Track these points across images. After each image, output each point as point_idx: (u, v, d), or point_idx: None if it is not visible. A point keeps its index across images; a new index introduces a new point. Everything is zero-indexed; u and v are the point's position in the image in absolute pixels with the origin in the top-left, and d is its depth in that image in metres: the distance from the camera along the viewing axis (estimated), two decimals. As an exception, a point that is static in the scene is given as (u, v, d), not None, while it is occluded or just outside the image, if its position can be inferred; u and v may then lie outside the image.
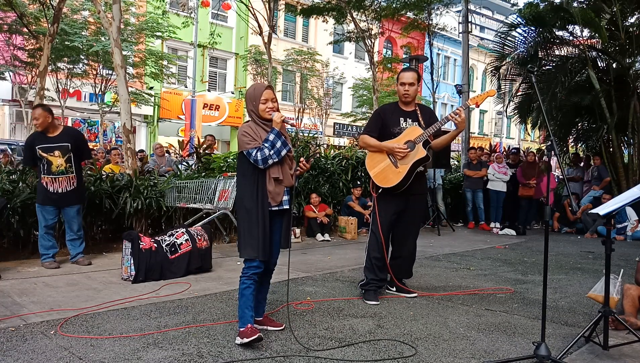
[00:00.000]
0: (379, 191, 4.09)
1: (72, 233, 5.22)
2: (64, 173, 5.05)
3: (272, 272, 3.29)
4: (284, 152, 3.01)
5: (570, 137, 12.04)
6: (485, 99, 3.97)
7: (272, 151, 2.95)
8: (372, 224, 4.21)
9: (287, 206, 3.11)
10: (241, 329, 2.96)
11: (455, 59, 32.81)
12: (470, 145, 12.42)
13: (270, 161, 2.96)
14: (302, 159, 3.18)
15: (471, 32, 15.28)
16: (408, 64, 9.78)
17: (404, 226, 4.23)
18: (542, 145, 17.14)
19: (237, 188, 3.15)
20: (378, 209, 4.11)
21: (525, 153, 10.63)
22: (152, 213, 6.38)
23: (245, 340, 2.88)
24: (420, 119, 4.12)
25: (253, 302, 3.03)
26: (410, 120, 4.12)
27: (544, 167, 9.51)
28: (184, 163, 8.75)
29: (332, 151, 9.99)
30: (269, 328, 3.26)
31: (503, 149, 16.51)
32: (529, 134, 30.38)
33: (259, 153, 2.94)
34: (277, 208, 3.06)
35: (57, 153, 5.03)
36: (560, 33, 10.57)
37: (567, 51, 10.47)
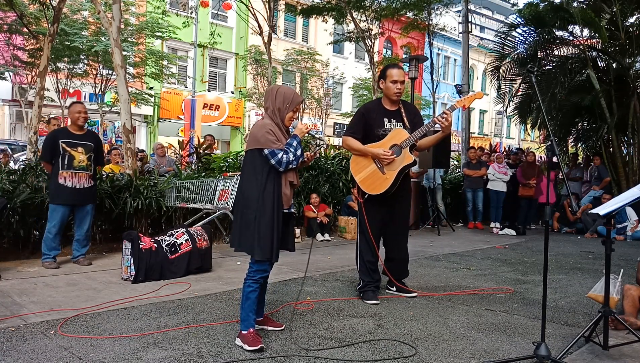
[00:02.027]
0: (365, 196, 4.05)
1: (81, 232, 5.24)
2: (84, 169, 5.17)
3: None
4: (300, 160, 3.04)
5: (570, 137, 12.05)
6: (472, 101, 3.94)
7: (294, 158, 2.97)
8: (360, 228, 4.17)
9: (294, 209, 3.16)
10: (243, 332, 2.95)
11: (455, 59, 32.80)
12: (470, 145, 12.42)
13: (290, 166, 2.97)
14: (306, 153, 3.15)
15: (471, 32, 15.29)
16: (408, 64, 9.77)
17: (394, 227, 4.22)
18: (542, 145, 17.15)
19: (247, 187, 2.99)
20: (366, 213, 4.08)
21: (525, 153, 10.62)
22: (152, 213, 6.38)
23: (247, 347, 2.87)
24: (405, 118, 4.06)
25: (256, 306, 3.03)
26: (394, 120, 4.06)
27: (544, 167, 9.51)
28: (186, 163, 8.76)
29: (332, 151, 9.99)
30: (269, 328, 3.26)
31: (503, 149, 16.52)
32: (529, 134, 30.39)
33: (285, 156, 2.93)
34: (286, 211, 3.06)
35: (80, 149, 5.16)
36: (560, 33, 10.58)
37: (567, 51, 10.48)
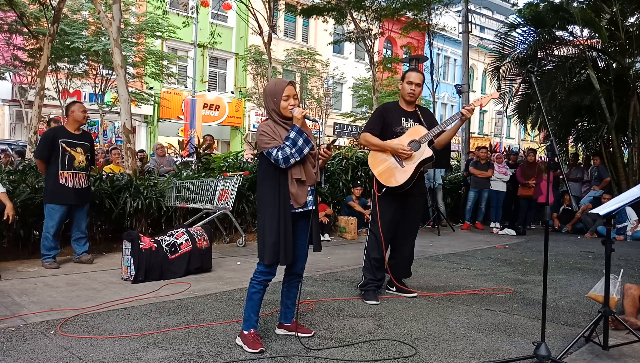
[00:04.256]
0: (383, 190, 4.07)
1: (79, 232, 5.26)
2: (84, 169, 5.20)
3: (302, 276, 3.17)
4: (306, 150, 2.86)
5: (570, 137, 12.04)
6: (489, 101, 4.00)
7: (294, 150, 2.81)
8: (371, 224, 4.18)
9: (312, 207, 2.97)
10: (245, 332, 2.94)
11: (455, 59, 32.81)
12: (471, 145, 12.41)
13: (292, 161, 2.82)
14: (322, 146, 3.03)
15: (471, 32, 15.28)
16: (408, 64, 9.80)
17: (404, 227, 4.22)
18: (542, 145, 17.14)
19: (257, 189, 3.02)
20: (379, 210, 4.08)
21: (524, 153, 10.61)
22: (152, 213, 6.38)
23: (247, 348, 2.86)
24: (422, 119, 4.15)
25: (260, 307, 2.98)
26: (411, 120, 4.13)
27: (544, 167, 9.51)
28: (185, 163, 8.76)
29: (332, 151, 9.96)
30: (298, 334, 3.12)
31: (503, 149, 16.52)
32: (529, 134, 30.38)
33: (279, 152, 2.80)
34: (300, 210, 2.93)
35: (79, 149, 5.18)
36: (560, 33, 10.58)
37: (567, 51, 10.47)
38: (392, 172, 4.01)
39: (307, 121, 2.96)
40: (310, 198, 2.97)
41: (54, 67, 14.97)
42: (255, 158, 7.94)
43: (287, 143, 2.83)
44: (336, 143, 8.36)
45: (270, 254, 2.86)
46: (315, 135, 3.07)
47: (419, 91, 4.16)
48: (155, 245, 4.71)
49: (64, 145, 5.06)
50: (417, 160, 3.97)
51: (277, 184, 2.88)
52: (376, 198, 4.11)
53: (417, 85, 4.11)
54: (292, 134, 2.84)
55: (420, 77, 4.17)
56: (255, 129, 23.16)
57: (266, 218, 2.88)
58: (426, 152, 3.98)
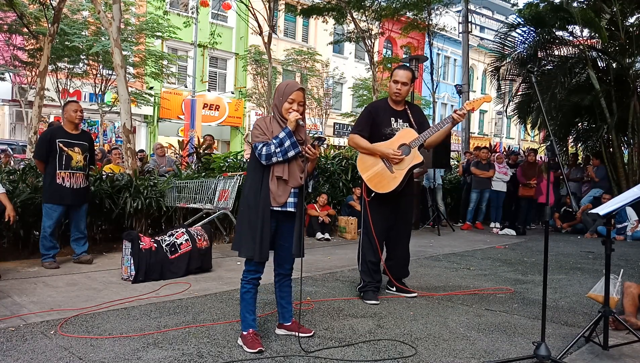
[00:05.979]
0: (372, 194, 4.03)
1: (78, 232, 5.25)
2: (81, 169, 5.18)
3: (290, 276, 3.19)
4: (291, 153, 2.88)
5: (570, 137, 12.05)
6: (481, 105, 3.93)
7: (279, 150, 2.84)
8: (364, 228, 4.13)
9: (292, 209, 2.95)
10: (243, 332, 2.95)
11: (455, 59, 32.80)
12: (471, 145, 12.41)
13: (274, 159, 2.85)
14: (307, 145, 2.94)
15: (471, 32, 15.30)
16: (408, 64, 9.80)
17: (398, 228, 4.20)
18: (541, 145, 17.15)
19: (245, 183, 3.06)
20: (370, 213, 4.05)
21: (525, 153, 10.61)
22: (152, 213, 6.38)
23: (247, 349, 2.87)
24: (412, 119, 4.07)
25: (254, 306, 2.99)
26: (401, 120, 4.05)
27: (545, 167, 9.51)
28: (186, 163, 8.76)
29: (332, 151, 9.98)
30: (296, 334, 3.12)
31: (503, 149, 16.52)
32: (528, 134, 30.38)
33: (264, 148, 2.85)
34: (279, 209, 2.92)
35: (77, 149, 5.16)
36: (560, 33, 10.58)
37: (567, 51, 10.48)
38: (381, 177, 3.96)
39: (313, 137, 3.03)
40: (291, 199, 2.95)
41: (54, 67, 14.97)
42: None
43: (274, 141, 2.87)
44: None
45: (245, 247, 2.90)
46: (315, 135, 3.08)
47: (406, 90, 4.01)
48: (155, 245, 4.70)
49: (61, 145, 5.05)
50: (407, 166, 3.91)
51: (260, 179, 2.91)
52: (366, 202, 4.07)
53: (402, 84, 3.96)
54: (282, 135, 2.88)
55: (408, 75, 3.99)
56: (255, 129, 23.19)
57: (246, 212, 2.92)
58: (416, 157, 3.92)
